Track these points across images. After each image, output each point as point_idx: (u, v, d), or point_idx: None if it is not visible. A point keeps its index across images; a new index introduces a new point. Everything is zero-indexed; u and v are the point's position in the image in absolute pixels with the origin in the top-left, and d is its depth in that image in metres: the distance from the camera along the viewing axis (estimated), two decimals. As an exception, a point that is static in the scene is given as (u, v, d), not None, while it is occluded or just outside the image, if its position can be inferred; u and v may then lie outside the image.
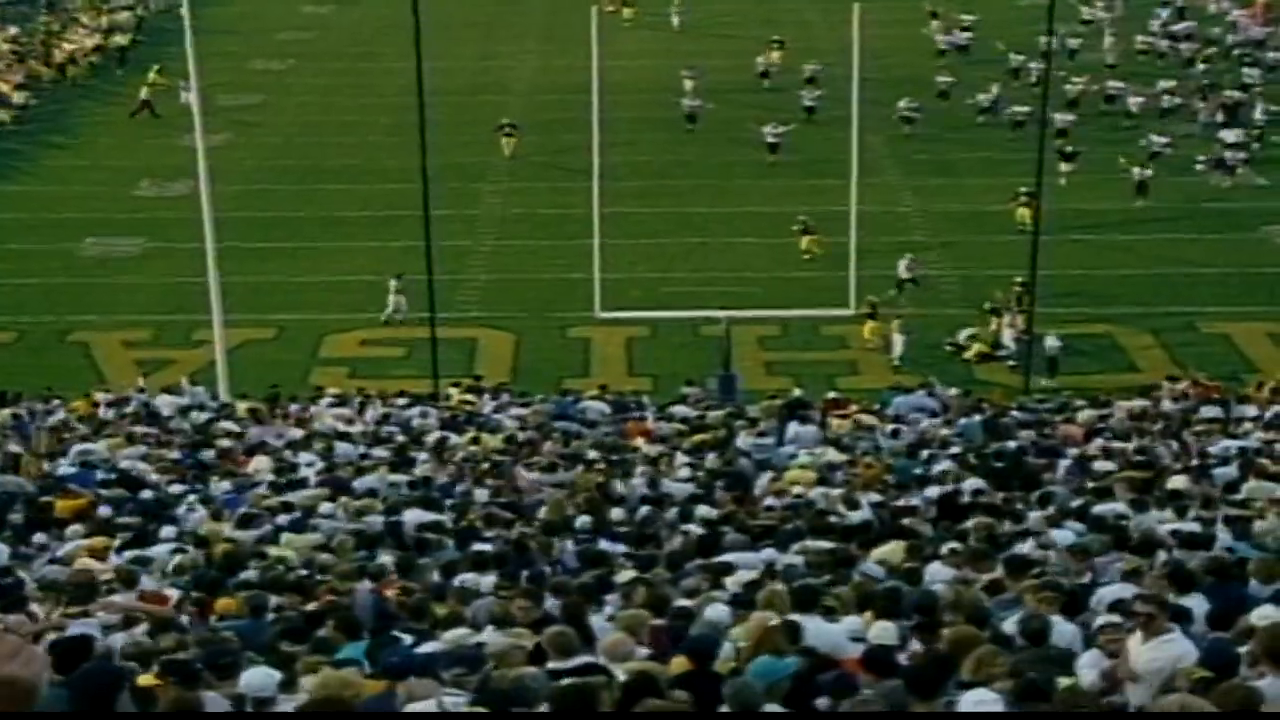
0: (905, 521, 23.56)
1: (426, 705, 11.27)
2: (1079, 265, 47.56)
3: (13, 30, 77.92)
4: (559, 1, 78.25)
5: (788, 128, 57.91)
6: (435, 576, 19.86)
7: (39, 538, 22.19)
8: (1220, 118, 62.19)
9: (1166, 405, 37.00)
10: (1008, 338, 44.02)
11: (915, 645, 14.26)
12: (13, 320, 46.47)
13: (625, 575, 19.12)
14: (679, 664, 12.48)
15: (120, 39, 77.02)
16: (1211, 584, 17.08)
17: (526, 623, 14.92)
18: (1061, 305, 45.10)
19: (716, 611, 16.02)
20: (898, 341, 43.33)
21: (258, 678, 12.14)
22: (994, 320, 44.70)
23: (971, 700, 10.93)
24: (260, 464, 29.49)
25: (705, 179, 57.25)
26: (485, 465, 29.97)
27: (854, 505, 25.42)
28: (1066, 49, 68.88)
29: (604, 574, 19.45)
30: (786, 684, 11.25)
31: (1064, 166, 55.29)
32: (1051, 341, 42.81)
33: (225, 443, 31.82)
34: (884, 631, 14.56)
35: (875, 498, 26.20)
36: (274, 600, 17.14)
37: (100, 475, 27.67)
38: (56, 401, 36.91)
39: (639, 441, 32.83)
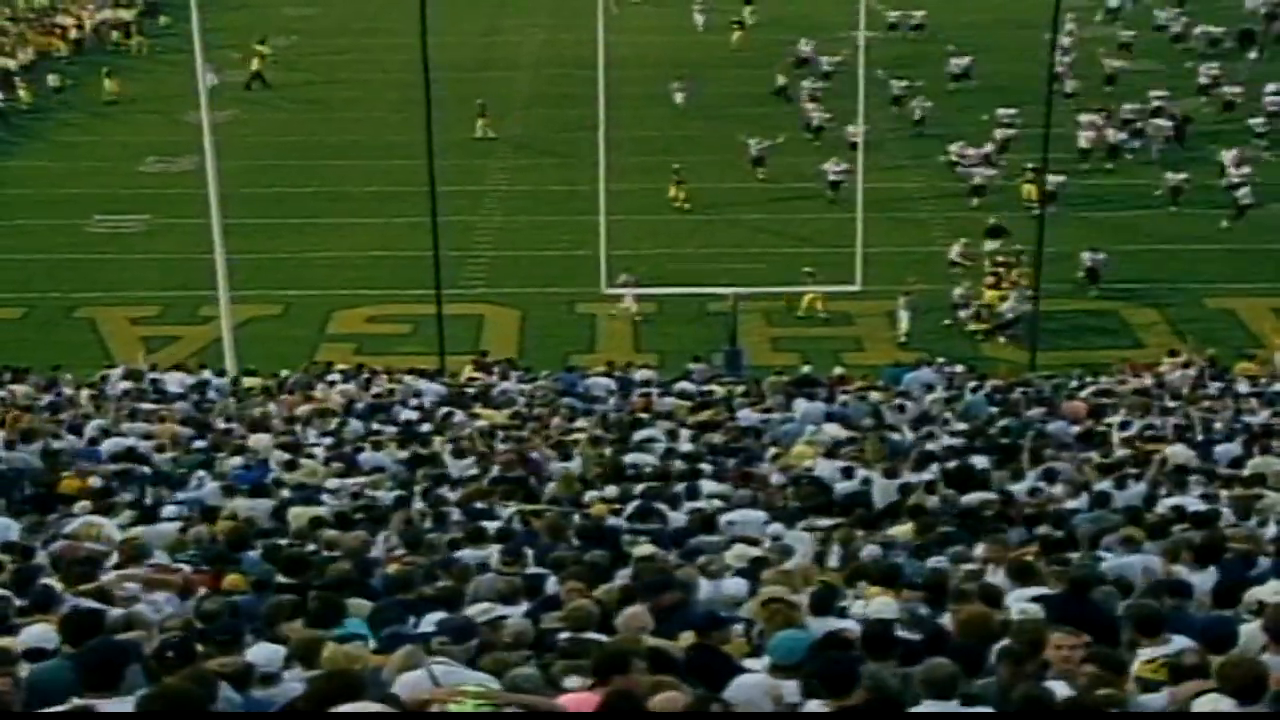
0: (913, 499, 23.59)
1: (416, 676, 11.33)
2: (1084, 241, 47.54)
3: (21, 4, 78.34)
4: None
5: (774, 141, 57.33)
6: (441, 552, 19.90)
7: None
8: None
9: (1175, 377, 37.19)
10: (1006, 308, 44.09)
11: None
12: (20, 296, 46.53)
13: (634, 550, 19.17)
14: (690, 638, 12.53)
15: (125, 14, 76.98)
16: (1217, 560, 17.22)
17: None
18: (1070, 281, 45.37)
19: (732, 586, 16.10)
20: (904, 318, 43.35)
21: (263, 653, 12.18)
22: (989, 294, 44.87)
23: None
24: (264, 440, 29.57)
25: (711, 155, 57.17)
26: (493, 440, 30.07)
27: (851, 477, 25.63)
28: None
29: (612, 550, 19.53)
30: (803, 654, 11.24)
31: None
32: (1089, 255, 43.45)
33: (222, 424, 31.91)
34: (884, 607, 14.59)
35: (879, 474, 26.27)
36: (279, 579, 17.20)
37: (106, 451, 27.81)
38: (69, 377, 37.08)
39: (645, 417, 32.96)
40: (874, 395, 35.29)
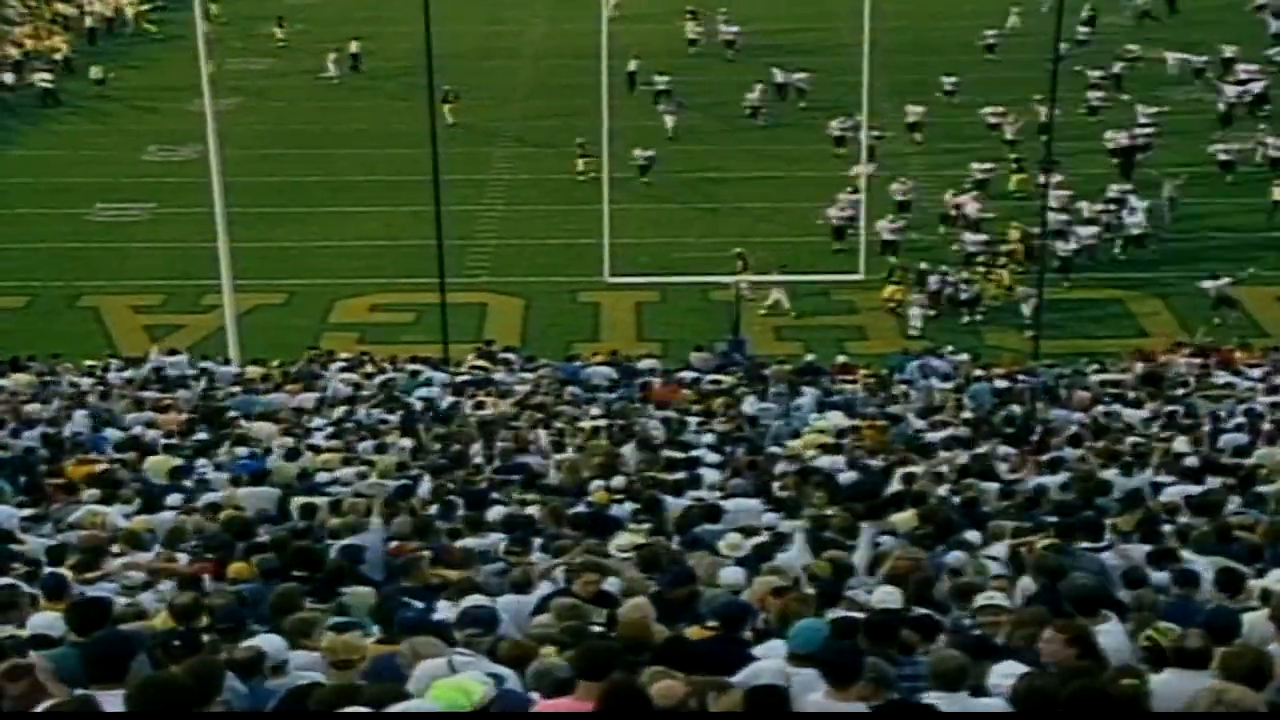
0: (917, 487, 23.58)
1: (435, 665, 11.31)
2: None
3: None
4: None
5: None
6: (446, 540, 19.93)
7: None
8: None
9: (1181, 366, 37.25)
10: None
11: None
12: (23, 285, 46.62)
13: (633, 539, 19.19)
14: (697, 630, 12.53)
15: (128, 6, 77.06)
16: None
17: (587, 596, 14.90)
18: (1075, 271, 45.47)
19: (732, 574, 16.12)
20: (916, 315, 43.34)
21: (271, 644, 12.18)
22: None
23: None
24: (267, 429, 29.61)
25: (714, 144, 57.22)
26: (496, 429, 30.13)
27: (856, 468, 25.68)
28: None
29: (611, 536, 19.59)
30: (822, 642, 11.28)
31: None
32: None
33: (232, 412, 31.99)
34: (888, 596, 14.61)
35: (881, 462, 26.32)
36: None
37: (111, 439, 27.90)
38: (68, 365, 37.15)
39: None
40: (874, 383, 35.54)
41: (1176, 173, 49.98)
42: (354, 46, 66.45)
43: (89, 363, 37.59)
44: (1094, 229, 46.76)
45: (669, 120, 57.87)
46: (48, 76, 66.02)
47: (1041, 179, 44.64)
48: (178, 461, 25.88)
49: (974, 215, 48.38)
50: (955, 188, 50.90)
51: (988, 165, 52.01)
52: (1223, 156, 52.64)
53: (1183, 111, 58.31)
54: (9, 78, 66.54)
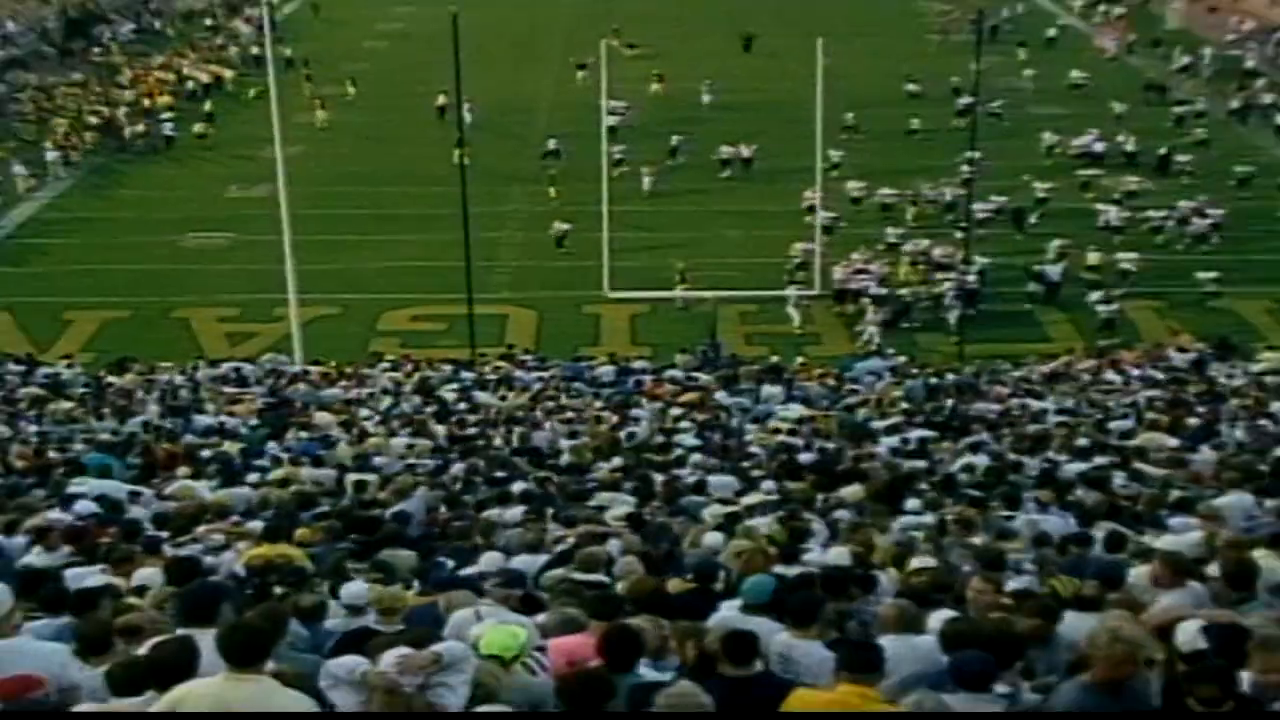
0: (864, 466, 23.67)
1: (465, 613, 11.36)
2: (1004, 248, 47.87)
3: (159, 59, 79.41)
4: (574, 36, 78.34)
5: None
6: (473, 510, 20.00)
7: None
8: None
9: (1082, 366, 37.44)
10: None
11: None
12: (127, 300, 46.57)
13: (625, 509, 19.29)
14: (679, 583, 12.59)
15: (226, 71, 77.43)
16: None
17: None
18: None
19: (710, 539, 16.20)
20: (874, 333, 43.26)
21: (354, 588, 12.21)
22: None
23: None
24: (326, 418, 29.68)
25: (695, 184, 57.19)
26: (514, 418, 30.21)
27: (811, 450, 25.76)
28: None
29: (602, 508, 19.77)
30: (769, 596, 11.31)
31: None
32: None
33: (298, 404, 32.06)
34: (840, 556, 14.70)
35: (832, 445, 26.40)
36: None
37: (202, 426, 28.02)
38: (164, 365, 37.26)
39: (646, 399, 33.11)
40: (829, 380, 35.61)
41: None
42: (440, 99, 65.44)
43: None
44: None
45: (645, 182, 56.23)
46: (170, 127, 66.20)
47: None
48: (252, 445, 26.05)
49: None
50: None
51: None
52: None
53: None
54: (140, 127, 66.54)
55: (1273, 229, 51.01)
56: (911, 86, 70.43)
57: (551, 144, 60.08)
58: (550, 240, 49.80)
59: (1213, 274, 46.13)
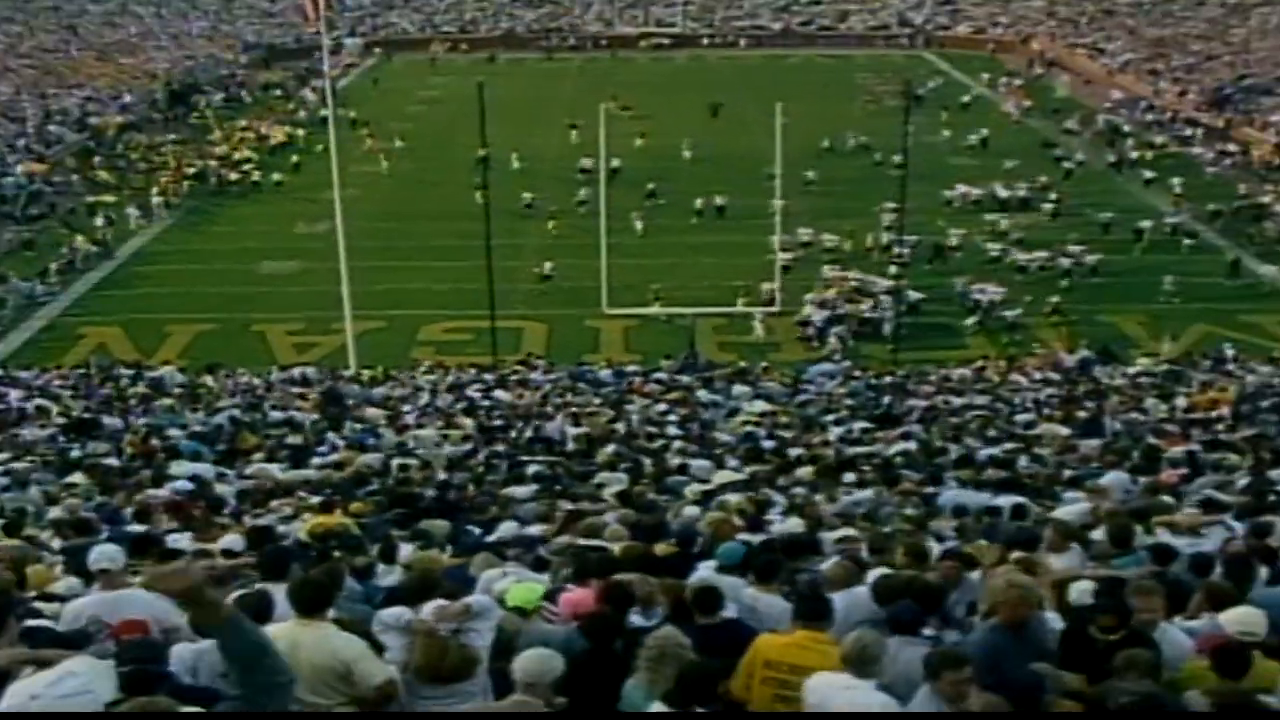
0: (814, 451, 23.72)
1: (492, 573, 11.39)
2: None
3: (242, 121, 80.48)
4: (578, 101, 78.37)
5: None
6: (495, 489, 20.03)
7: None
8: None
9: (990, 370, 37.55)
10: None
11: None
12: (214, 316, 46.70)
13: (615, 487, 19.32)
14: (664, 547, 12.61)
15: (299, 130, 77.86)
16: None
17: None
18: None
19: (689, 511, 16.23)
20: (835, 343, 43.34)
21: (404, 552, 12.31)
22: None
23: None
24: (374, 413, 29.70)
25: (677, 221, 57.20)
26: (528, 413, 30.22)
27: (773, 439, 25.76)
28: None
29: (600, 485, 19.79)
30: (738, 559, 11.34)
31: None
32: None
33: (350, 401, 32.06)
34: (796, 526, 14.74)
35: (790, 435, 26.43)
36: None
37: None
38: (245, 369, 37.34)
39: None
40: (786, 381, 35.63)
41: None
42: (481, 151, 65.34)
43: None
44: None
45: (638, 225, 55.59)
46: (257, 174, 66.97)
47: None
48: (315, 434, 26.07)
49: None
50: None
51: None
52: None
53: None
54: (234, 175, 67.25)
55: (1143, 260, 51.16)
56: (852, 142, 70.51)
57: (583, 194, 59.34)
58: (551, 269, 49.84)
59: (1170, 278, 47.31)
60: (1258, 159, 67.94)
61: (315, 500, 17.40)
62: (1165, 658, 8.34)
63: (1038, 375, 36.34)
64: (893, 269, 46.90)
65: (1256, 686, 7.81)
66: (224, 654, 5.22)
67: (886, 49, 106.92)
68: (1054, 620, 9.25)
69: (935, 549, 12.63)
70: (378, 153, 70.40)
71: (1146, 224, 53.77)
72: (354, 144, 69.59)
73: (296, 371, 37.35)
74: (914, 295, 45.99)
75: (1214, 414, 27.82)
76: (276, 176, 67.02)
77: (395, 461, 22.14)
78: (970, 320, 44.48)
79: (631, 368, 38.58)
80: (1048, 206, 57.82)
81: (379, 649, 8.29)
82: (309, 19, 39.31)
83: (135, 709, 5.63)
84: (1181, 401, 29.86)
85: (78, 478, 19.17)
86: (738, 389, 33.67)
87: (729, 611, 9.53)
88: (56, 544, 14.17)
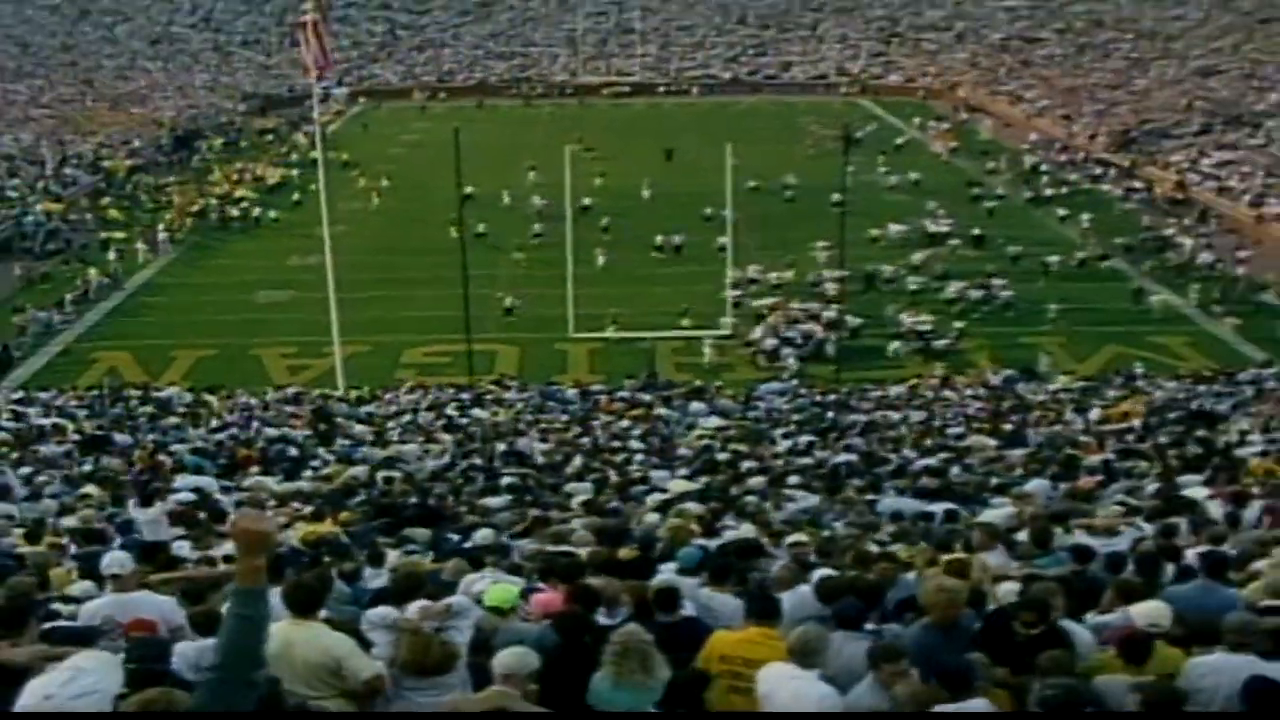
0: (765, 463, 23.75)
1: (471, 576, 11.33)
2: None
3: (239, 164, 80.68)
4: (548, 142, 78.37)
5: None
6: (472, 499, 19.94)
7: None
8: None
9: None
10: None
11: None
12: (215, 341, 46.43)
13: (582, 496, 19.27)
14: (627, 552, 12.59)
15: (292, 171, 77.76)
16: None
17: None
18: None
19: (651, 518, 16.20)
20: (792, 365, 43.38)
21: (392, 558, 12.22)
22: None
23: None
24: (360, 429, 29.57)
25: (636, 253, 57.21)
26: (501, 429, 30.13)
27: (725, 450, 25.79)
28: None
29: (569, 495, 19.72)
30: (695, 562, 11.32)
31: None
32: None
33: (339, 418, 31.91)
34: (748, 531, 14.73)
35: (745, 448, 26.44)
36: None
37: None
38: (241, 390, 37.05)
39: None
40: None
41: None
42: (469, 189, 64.77)
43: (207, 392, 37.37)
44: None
45: (600, 259, 54.89)
46: (257, 210, 67.22)
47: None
48: (307, 450, 25.90)
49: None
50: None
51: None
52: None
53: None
54: (236, 212, 67.49)
55: (1058, 288, 51.45)
56: (792, 180, 70.36)
57: (537, 228, 59.82)
58: (519, 298, 49.69)
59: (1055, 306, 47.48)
60: (1160, 195, 68.79)
61: (307, 510, 17.27)
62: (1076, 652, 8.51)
63: (969, 391, 36.47)
64: (832, 294, 47.07)
65: (1160, 671, 7.97)
66: (228, 621, 4.86)
67: (826, 95, 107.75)
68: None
69: (875, 551, 12.66)
70: (370, 191, 70.39)
71: (1054, 258, 54.02)
72: (345, 184, 69.46)
73: (291, 392, 37.14)
74: (853, 321, 46.15)
75: (1126, 425, 28.03)
76: (273, 214, 66.91)
77: (380, 474, 22.04)
78: (893, 346, 44.52)
79: (597, 387, 38.54)
80: (955, 242, 57.78)
81: (367, 645, 8.26)
82: (320, 71, 38.96)
83: (140, 702, 5.57)
84: (1096, 414, 30.07)
85: (91, 489, 19.01)
86: (694, 405, 33.70)
87: (687, 610, 9.52)
88: (72, 550, 14.05)
